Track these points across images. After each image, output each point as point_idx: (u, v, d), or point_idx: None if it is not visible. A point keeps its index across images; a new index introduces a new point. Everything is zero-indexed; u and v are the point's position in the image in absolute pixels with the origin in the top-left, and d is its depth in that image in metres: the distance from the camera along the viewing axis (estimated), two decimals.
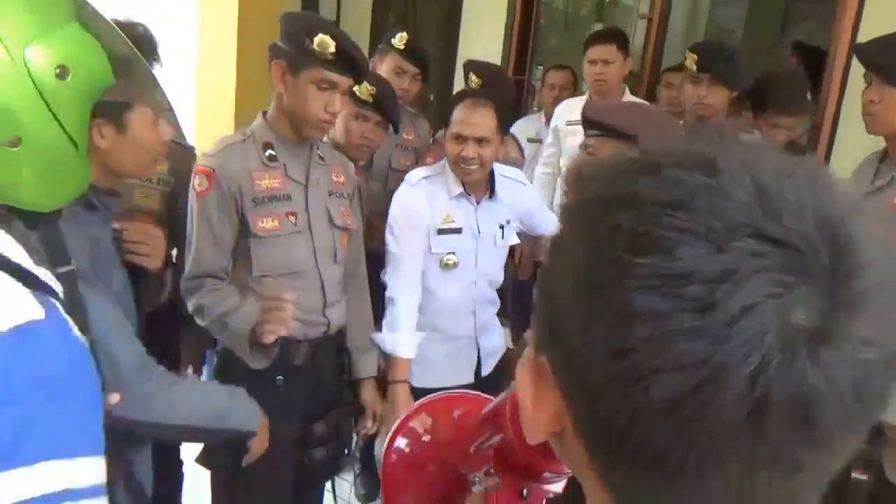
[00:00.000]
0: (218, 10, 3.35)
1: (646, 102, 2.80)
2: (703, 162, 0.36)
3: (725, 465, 0.34)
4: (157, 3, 3.50)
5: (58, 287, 0.80)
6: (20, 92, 0.79)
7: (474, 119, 1.87)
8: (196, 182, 1.64)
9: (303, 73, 1.60)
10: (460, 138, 1.88)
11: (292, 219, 1.69)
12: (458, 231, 2.00)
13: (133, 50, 1.05)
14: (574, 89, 3.28)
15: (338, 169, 1.85)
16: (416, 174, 2.04)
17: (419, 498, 0.71)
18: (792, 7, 5.59)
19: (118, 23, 1.07)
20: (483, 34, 3.80)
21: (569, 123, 2.92)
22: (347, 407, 1.91)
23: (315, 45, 1.56)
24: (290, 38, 1.60)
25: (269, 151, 1.68)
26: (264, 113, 1.74)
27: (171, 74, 3.25)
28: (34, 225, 0.89)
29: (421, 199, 1.97)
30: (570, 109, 3.00)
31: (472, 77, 2.46)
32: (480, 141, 1.87)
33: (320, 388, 1.83)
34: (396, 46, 2.45)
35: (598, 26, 4.92)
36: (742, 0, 6.44)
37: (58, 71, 0.82)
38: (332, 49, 1.57)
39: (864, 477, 1.62)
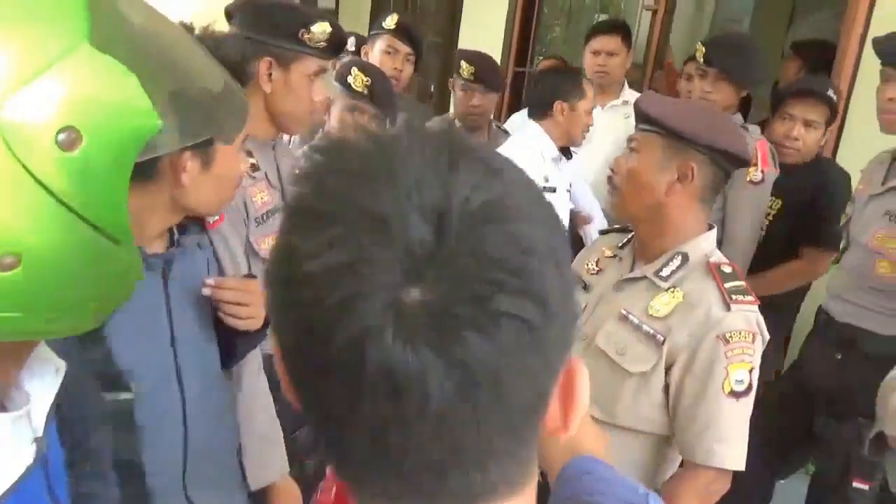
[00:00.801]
0: None
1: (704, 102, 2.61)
2: (354, 171, 0.37)
3: (363, 421, 0.36)
4: None
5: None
6: (4, 186, 0.47)
7: None
8: None
9: (294, 66, 1.48)
10: None
11: None
12: (553, 191, 2.08)
13: (194, 55, 0.70)
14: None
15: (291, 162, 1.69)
16: None
17: None
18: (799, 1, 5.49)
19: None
20: (484, 25, 3.74)
21: None
22: None
23: (311, 34, 1.46)
24: (273, 28, 1.47)
25: (251, 160, 1.49)
26: None
27: None
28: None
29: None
30: None
31: (464, 65, 2.42)
32: None
33: None
34: (388, 27, 2.42)
35: (602, 17, 4.85)
36: None
37: (61, 138, 0.48)
38: (327, 37, 1.48)
39: (865, 487, 1.58)
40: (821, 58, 3.01)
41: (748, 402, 1.20)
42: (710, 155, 1.24)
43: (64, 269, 0.51)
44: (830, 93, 2.12)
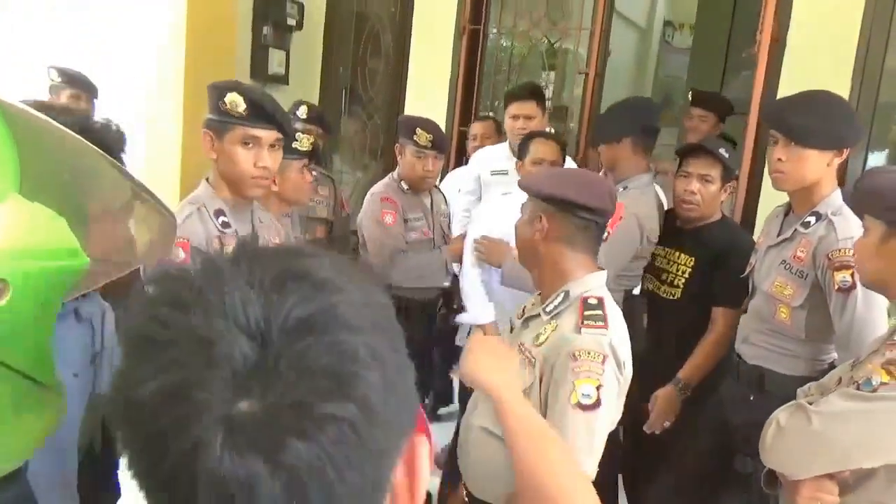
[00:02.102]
0: (169, 24, 3.40)
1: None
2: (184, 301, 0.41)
3: None
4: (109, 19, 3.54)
5: None
6: None
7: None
8: (172, 255, 1.59)
9: (226, 136, 1.67)
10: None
11: None
12: None
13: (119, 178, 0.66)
14: (498, 136, 3.41)
15: (272, 230, 1.90)
16: None
17: None
18: (731, 59, 5.85)
19: (79, 126, 0.73)
20: (429, 85, 3.92)
21: (493, 173, 3.06)
22: None
23: (227, 105, 1.64)
24: (210, 105, 1.68)
25: (221, 218, 1.72)
26: (206, 179, 1.78)
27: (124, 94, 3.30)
28: None
29: None
30: (494, 158, 3.14)
31: (421, 133, 2.58)
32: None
33: None
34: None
35: (548, 74, 5.08)
36: (687, 51, 6.75)
37: None
38: (243, 105, 1.64)
39: None
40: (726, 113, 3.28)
41: (597, 416, 1.31)
42: (557, 206, 1.46)
43: None
44: (722, 150, 2.28)
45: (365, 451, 0.40)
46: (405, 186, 2.68)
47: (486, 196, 3.07)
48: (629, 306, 2.31)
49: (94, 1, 3.59)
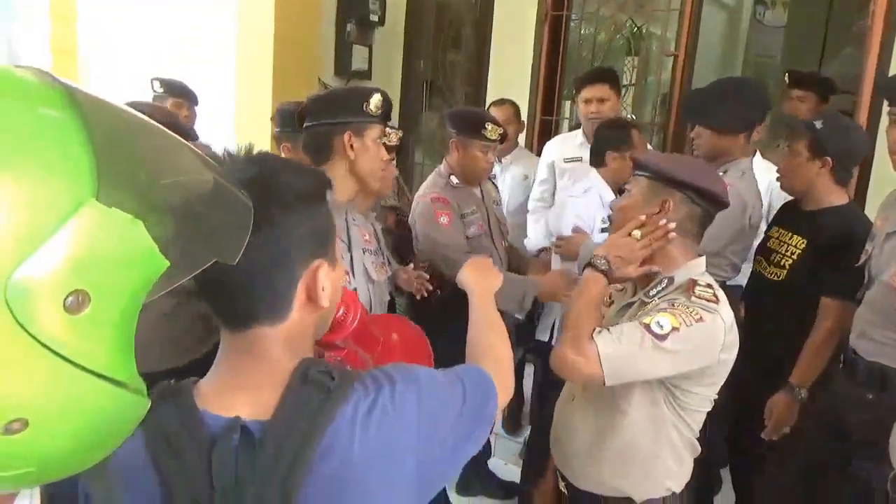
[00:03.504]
0: (255, 25, 3.46)
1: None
2: None
3: None
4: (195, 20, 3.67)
5: None
6: (10, 356, 0.46)
7: None
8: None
9: (366, 134, 1.75)
10: None
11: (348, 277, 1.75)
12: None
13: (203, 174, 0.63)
14: (518, 122, 3.33)
15: (364, 229, 1.93)
16: None
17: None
18: (831, 35, 5.48)
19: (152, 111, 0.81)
20: (510, 77, 3.87)
21: (567, 161, 3.00)
22: None
23: (371, 107, 1.75)
24: (349, 108, 1.75)
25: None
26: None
27: (211, 91, 3.41)
28: None
29: None
30: (565, 145, 3.08)
31: (491, 127, 2.50)
32: None
33: None
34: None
35: (631, 59, 4.92)
36: (780, 28, 6.38)
37: (69, 302, 0.47)
38: (381, 107, 1.78)
39: None
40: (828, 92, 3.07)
41: (654, 344, 1.29)
42: (685, 193, 1.41)
43: (72, 422, 0.50)
44: (817, 123, 2.17)
45: (272, 237, 0.77)
46: (455, 181, 2.52)
47: (561, 184, 3.01)
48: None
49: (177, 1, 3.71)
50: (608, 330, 1.34)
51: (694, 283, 1.38)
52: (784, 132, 2.32)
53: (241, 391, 0.80)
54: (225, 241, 0.64)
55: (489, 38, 4.00)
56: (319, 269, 0.83)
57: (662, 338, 1.27)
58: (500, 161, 3.29)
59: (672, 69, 3.46)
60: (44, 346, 0.46)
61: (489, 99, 3.92)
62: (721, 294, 1.39)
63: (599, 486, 1.47)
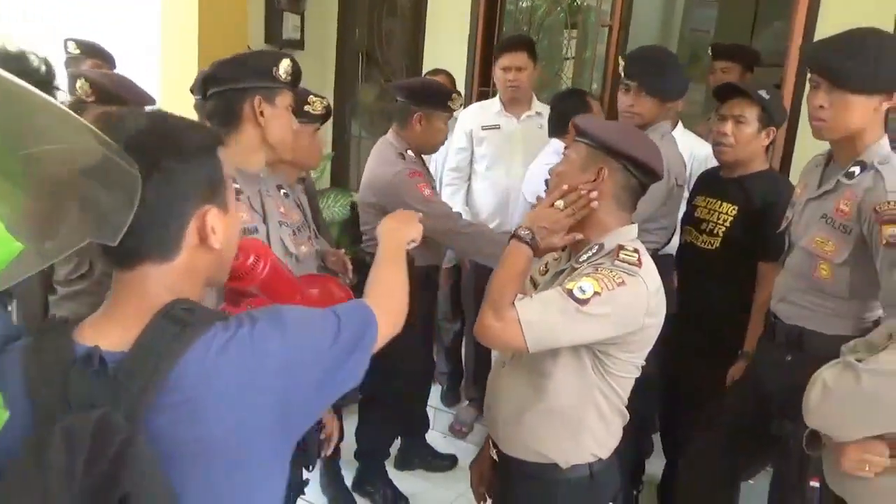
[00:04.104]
0: (178, 31, 3.34)
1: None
2: None
3: None
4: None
5: None
6: None
7: None
8: None
9: (276, 101, 1.67)
10: None
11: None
12: None
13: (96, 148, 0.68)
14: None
15: (278, 200, 1.83)
16: None
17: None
18: (761, 8, 5.61)
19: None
20: (447, 47, 3.81)
21: (485, 128, 2.99)
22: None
23: (281, 72, 1.66)
24: (255, 72, 1.66)
25: (234, 185, 1.70)
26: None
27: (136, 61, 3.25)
28: None
29: None
30: (483, 113, 3.06)
31: (457, 98, 2.50)
32: None
33: None
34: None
35: (571, 33, 4.93)
36: (714, 2, 6.49)
37: None
38: (291, 72, 1.69)
39: (817, 485, 1.61)
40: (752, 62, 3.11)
41: (574, 308, 1.29)
42: (622, 162, 1.41)
43: None
44: (762, 93, 2.18)
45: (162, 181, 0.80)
46: (411, 155, 2.47)
47: (480, 152, 3.00)
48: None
49: None
50: (531, 297, 1.33)
51: (620, 247, 1.38)
52: (715, 105, 2.34)
53: (111, 324, 0.86)
54: (106, 219, 0.68)
55: (425, 6, 3.92)
56: (208, 212, 0.88)
57: (584, 302, 1.27)
58: None
59: (607, 40, 3.47)
60: None
61: (426, 68, 3.87)
62: (647, 259, 1.39)
63: (525, 452, 1.48)
